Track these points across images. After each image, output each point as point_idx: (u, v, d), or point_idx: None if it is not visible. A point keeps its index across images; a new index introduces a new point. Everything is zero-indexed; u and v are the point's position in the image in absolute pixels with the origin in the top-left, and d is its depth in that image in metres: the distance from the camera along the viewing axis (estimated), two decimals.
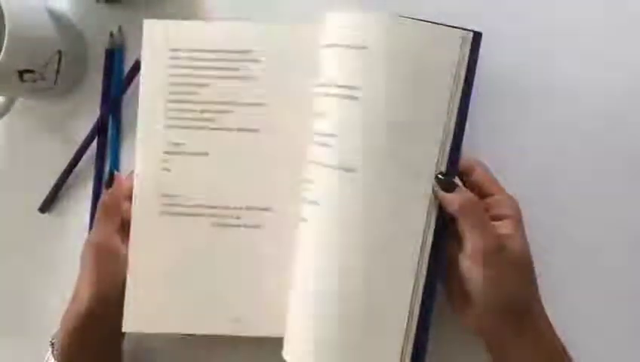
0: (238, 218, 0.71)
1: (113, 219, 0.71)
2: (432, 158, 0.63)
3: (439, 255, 0.64)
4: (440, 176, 0.64)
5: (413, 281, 0.63)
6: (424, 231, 0.63)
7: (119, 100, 0.83)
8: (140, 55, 0.78)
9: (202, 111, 0.72)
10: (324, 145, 0.65)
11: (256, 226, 0.70)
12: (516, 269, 0.63)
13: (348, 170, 0.63)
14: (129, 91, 0.82)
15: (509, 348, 0.63)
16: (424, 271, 0.64)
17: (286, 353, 0.67)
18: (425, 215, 0.63)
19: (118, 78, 0.83)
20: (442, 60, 0.63)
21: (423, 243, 0.63)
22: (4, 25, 0.71)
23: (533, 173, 0.74)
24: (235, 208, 0.71)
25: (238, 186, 0.71)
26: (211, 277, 0.70)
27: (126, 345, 0.75)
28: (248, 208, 0.71)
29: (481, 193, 0.65)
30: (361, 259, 0.64)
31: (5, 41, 0.71)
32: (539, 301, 0.65)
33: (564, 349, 0.64)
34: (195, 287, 0.71)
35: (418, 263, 0.63)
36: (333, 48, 0.65)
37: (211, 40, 0.72)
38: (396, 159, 0.63)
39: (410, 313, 0.63)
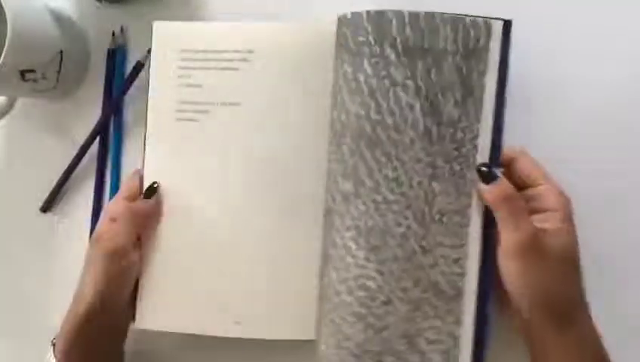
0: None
1: (137, 229, 0.71)
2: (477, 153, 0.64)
3: (489, 252, 0.63)
4: (480, 167, 0.63)
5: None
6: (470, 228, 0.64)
7: (121, 100, 0.83)
8: (142, 56, 0.80)
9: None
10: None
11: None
12: (554, 265, 0.60)
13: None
14: (131, 91, 0.82)
15: (544, 347, 0.61)
16: (477, 267, 0.64)
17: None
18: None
19: (120, 78, 0.83)
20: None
21: (471, 238, 0.64)
22: (6, 25, 0.71)
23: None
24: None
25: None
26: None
27: (127, 346, 0.75)
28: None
29: (525, 184, 0.63)
30: None
31: (7, 41, 0.71)
32: (583, 301, 0.62)
33: (605, 356, 0.61)
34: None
35: (469, 261, 0.64)
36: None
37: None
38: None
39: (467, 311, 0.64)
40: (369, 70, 0.63)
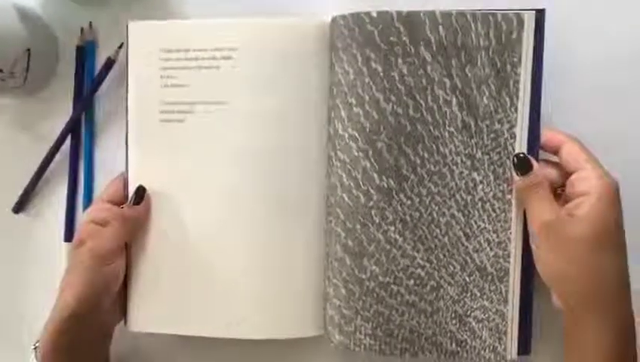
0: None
1: (127, 235, 0.71)
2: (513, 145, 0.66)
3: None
4: (513, 158, 0.65)
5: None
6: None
7: (92, 98, 0.80)
8: (112, 52, 0.78)
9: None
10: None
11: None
12: (576, 252, 0.60)
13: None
14: (102, 88, 0.80)
15: (568, 331, 0.63)
16: (520, 248, 0.67)
17: None
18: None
19: (91, 75, 0.80)
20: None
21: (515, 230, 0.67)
22: None
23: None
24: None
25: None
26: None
27: (113, 349, 0.75)
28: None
29: (571, 170, 0.63)
30: None
31: None
32: (615, 287, 0.61)
33: (629, 347, 0.61)
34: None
35: (512, 244, 0.67)
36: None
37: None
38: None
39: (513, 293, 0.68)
40: (404, 69, 0.65)
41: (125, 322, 0.74)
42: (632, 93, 0.72)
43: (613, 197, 0.61)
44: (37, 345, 0.68)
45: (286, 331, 0.71)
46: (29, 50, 0.76)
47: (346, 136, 0.67)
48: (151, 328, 0.73)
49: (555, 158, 0.66)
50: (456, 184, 0.67)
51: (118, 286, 0.71)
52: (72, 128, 0.81)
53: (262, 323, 0.71)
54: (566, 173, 0.64)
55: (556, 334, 0.66)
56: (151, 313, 0.73)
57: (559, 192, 0.65)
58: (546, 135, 0.66)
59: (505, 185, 0.66)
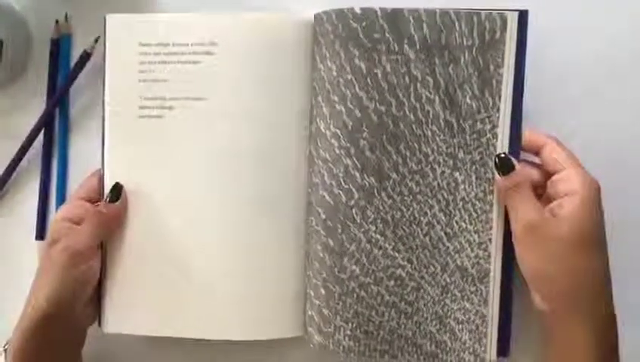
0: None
1: (103, 234, 0.70)
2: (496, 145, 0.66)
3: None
4: (495, 158, 0.65)
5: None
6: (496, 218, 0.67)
7: (66, 93, 0.79)
8: (88, 45, 0.76)
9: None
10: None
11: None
12: (558, 251, 0.60)
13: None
14: (77, 83, 0.78)
15: (549, 330, 0.63)
16: (500, 250, 0.67)
17: None
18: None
19: (66, 68, 0.79)
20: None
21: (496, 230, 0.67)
22: None
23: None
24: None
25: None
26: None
27: (86, 350, 0.73)
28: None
29: (552, 170, 0.64)
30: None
31: None
32: (597, 287, 0.61)
33: (610, 347, 0.61)
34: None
35: (492, 245, 0.67)
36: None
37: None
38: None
39: (492, 295, 0.67)
40: (388, 67, 0.65)
41: (99, 323, 0.72)
42: (612, 94, 0.73)
43: (595, 197, 0.61)
44: (7, 346, 0.67)
45: (265, 332, 0.70)
46: (1, 42, 0.74)
47: (328, 134, 0.66)
48: (126, 329, 0.72)
49: (535, 159, 0.66)
50: (438, 184, 0.66)
51: (93, 287, 0.70)
52: (45, 123, 0.79)
53: (241, 324, 0.70)
54: (547, 174, 0.65)
55: (535, 336, 0.66)
56: (126, 314, 0.72)
57: (539, 193, 0.65)
58: (528, 135, 0.66)
59: (487, 185, 0.66)
